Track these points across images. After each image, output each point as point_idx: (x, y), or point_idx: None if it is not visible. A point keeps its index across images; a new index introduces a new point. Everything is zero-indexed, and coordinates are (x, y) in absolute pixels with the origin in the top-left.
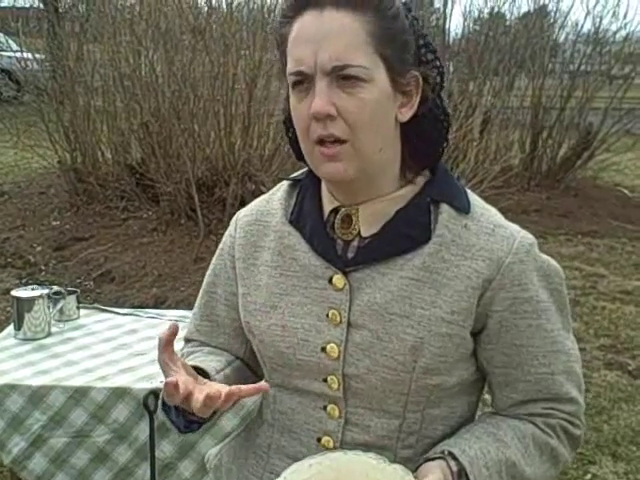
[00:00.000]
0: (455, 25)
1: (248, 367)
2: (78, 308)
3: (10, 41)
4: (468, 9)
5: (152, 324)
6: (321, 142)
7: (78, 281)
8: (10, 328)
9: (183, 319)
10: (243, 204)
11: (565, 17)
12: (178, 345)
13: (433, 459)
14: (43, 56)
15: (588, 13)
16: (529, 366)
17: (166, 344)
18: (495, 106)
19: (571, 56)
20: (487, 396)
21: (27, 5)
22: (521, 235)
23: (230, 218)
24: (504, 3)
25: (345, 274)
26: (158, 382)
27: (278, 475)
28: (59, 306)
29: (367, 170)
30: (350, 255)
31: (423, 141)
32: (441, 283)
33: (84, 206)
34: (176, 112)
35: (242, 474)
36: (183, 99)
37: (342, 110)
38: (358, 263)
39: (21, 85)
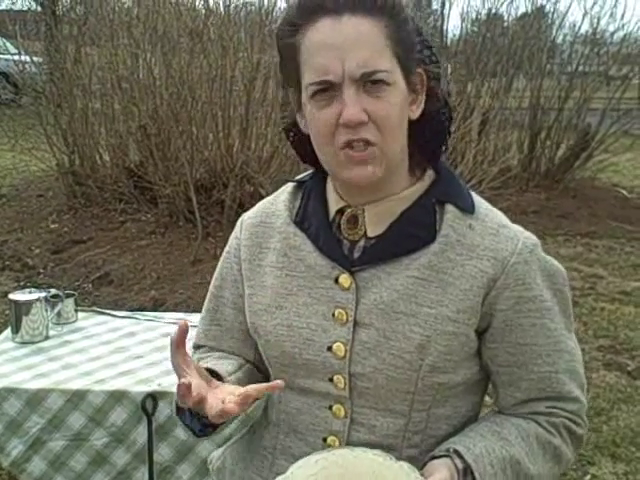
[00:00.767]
0: (453, 26)
1: (259, 370)
2: (76, 311)
3: (8, 44)
4: (466, 10)
5: (150, 327)
6: (348, 146)
7: (76, 284)
8: (8, 331)
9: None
10: (241, 206)
11: (563, 18)
12: (187, 345)
13: (439, 457)
14: (41, 59)
15: (586, 14)
16: (533, 365)
17: (178, 345)
18: (493, 107)
19: (569, 57)
20: (487, 398)
21: (25, 8)
22: (525, 236)
23: (229, 220)
24: (502, 4)
25: (351, 273)
26: (156, 385)
27: None
28: (57, 309)
29: (389, 170)
30: (356, 255)
31: (430, 137)
32: (447, 282)
33: (82, 209)
34: (174, 115)
35: (247, 475)
36: (181, 102)
37: (373, 115)
38: (364, 263)
39: (19, 88)
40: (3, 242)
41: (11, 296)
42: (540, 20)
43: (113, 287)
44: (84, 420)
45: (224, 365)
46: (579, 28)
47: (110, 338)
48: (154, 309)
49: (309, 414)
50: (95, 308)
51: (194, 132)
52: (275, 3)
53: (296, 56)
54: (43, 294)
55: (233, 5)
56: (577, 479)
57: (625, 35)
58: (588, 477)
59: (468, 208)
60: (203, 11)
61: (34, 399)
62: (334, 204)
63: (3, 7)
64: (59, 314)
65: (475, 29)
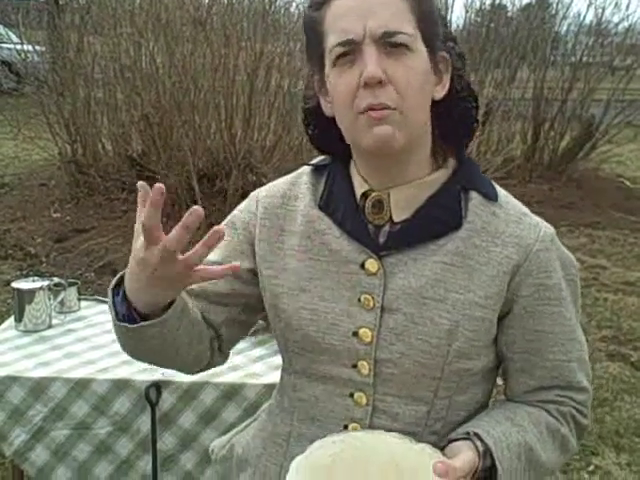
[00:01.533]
0: (457, 17)
1: (213, 328)
2: (79, 300)
3: (10, 33)
4: (469, 1)
5: None
6: (369, 110)
7: (79, 273)
8: (11, 320)
9: None
10: (244, 196)
11: (567, 8)
12: None
13: (457, 440)
14: (43, 48)
15: (590, 4)
16: (548, 352)
17: (155, 205)
18: (497, 98)
19: (573, 47)
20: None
21: None
22: (544, 224)
23: (231, 209)
24: None
25: (379, 258)
26: (160, 374)
27: None
28: (60, 298)
29: (411, 142)
30: (381, 240)
31: (454, 121)
32: (474, 268)
33: (85, 198)
34: (177, 104)
35: (261, 463)
36: (184, 91)
37: (392, 77)
38: (391, 248)
39: (21, 77)
40: (6, 231)
41: (14, 284)
42: (544, 10)
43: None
44: (87, 409)
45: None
46: (583, 18)
47: None
48: None
49: (329, 401)
50: (98, 297)
51: (197, 121)
52: None
53: (321, 26)
54: (46, 283)
55: None
56: (580, 469)
57: (630, 25)
58: (591, 467)
59: (492, 196)
60: (206, 0)
61: (37, 388)
62: (359, 187)
63: None
64: (62, 303)
65: (479, 19)
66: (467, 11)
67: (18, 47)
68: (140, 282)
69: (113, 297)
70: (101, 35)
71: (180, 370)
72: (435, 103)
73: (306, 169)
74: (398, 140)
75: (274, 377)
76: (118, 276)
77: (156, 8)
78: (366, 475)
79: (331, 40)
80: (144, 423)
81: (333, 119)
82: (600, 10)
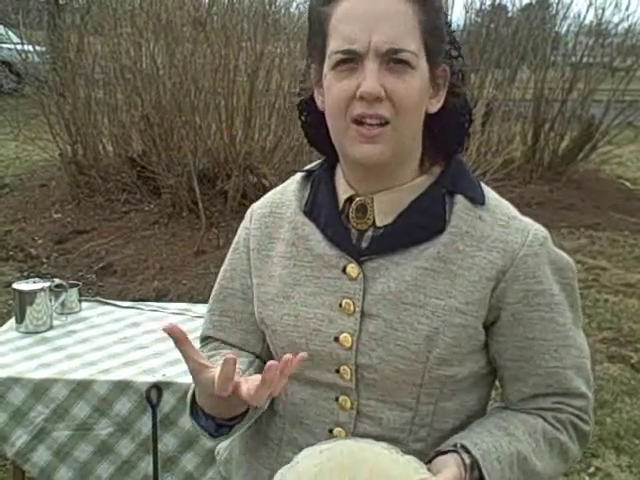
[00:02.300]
0: (457, 17)
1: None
2: (80, 301)
3: (10, 33)
4: (470, 1)
5: (154, 317)
6: (359, 122)
7: (80, 274)
8: (12, 321)
9: (185, 312)
10: (245, 197)
11: (567, 9)
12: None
13: (445, 452)
14: (44, 48)
15: (590, 5)
16: (540, 360)
17: (181, 342)
18: (497, 98)
19: (573, 48)
20: (492, 393)
21: None
22: (535, 228)
23: (232, 211)
24: None
25: (359, 263)
26: (160, 375)
27: None
28: (61, 299)
29: (398, 155)
30: (364, 245)
31: (445, 134)
32: (456, 273)
33: (85, 199)
34: (177, 104)
35: (253, 466)
36: (184, 91)
37: (391, 92)
38: (372, 253)
39: (22, 77)
40: (7, 232)
41: (15, 286)
42: (544, 11)
43: (116, 277)
44: (89, 410)
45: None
46: (584, 19)
47: (114, 328)
48: (157, 299)
49: (315, 405)
50: (99, 298)
51: (197, 122)
52: None
53: (325, 24)
54: (47, 284)
55: None
56: (581, 471)
57: (630, 26)
58: (592, 469)
59: (478, 199)
60: (206, 0)
61: (38, 389)
62: (343, 192)
63: None
64: (63, 304)
65: (479, 20)
66: (467, 11)
67: (18, 47)
68: (215, 408)
69: (195, 419)
70: (101, 35)
71: None
72: (428, 115)
73: (297, 176)
74: (385, 156)
75: None
76: (190, 402)
77: (156, 8)
78: None
79: (334, 44)
80: (145, 424)
81: (324, 113)
82: (600, 10)
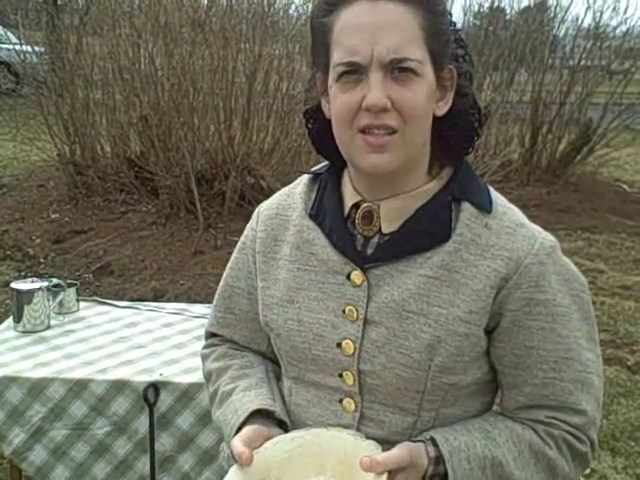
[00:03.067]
0: (455, 19)
1: (272, 361)
2: (77, 301)
3: (9, 34)
4: (468, 3)
5: (151, 317)
6: (366, 131)
7: (77, 274)
8: (9, 321)
9: (182, 312)
10: (242, 198)
11: (565, 12)
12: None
13: (415, 442)
14: (42, 49)
15: (588, 8)
16: (537, 369)
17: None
18: (495, 101)
19: (571, 51)
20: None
21: None
22: (543, 236)
23: (229, 212)
24: None
25: (364, 270)
26: (158, 375)
27: None
28: (58, 299)
29: (407, 163)
30: (370, 251)
31: (456, 136)
32: (460, 282)
33: (83, 199)
34: (175, 105)
35: None
36: (182, 92)
37: (397, 102)
38: (377, 260)
39: (20, 78)
40: (4, 232)
41: (13, 285)
42: (542, 13)
43: (114, 277)
44: (86, 409)
45: (262, 391)
46: (581, 22)
47: (111, 328)
48: (155, 300)
49: (319, 406)
50: (96, 298)
51: (195, 123)
52: None
53: (328, 35)
54: (45, 283)
55: None
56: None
57: (628, 29)
58: (587, 471)
59: (485, 206)
60: (205, 1)
61: (36, 388)
62: (349, 198)
63: None
64: (61, 304)
65: (477, 22)
66: (465, 14)
67: (17, 48)
68: None
69: None
70: (100, 36)
71: None
72: (436, 118)
73: (304, 178)
74: (394, 165)
75: None
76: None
77: (155, 9)
78: (322, 470)
79: (336, 56)
80: (142, 424)
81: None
82: (598, 14)
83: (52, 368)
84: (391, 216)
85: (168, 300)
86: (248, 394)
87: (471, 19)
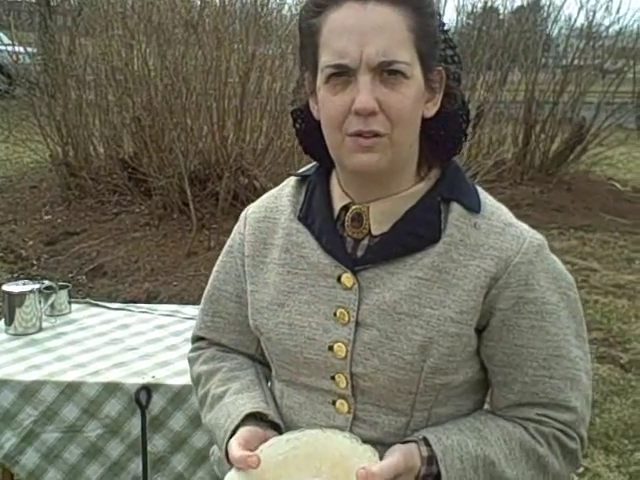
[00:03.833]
0: (448, 19)
1: (262, 363)
2: (70, 303)
3: (1, 34)
4: (461, 3)
5: (144, 319)
6: (357, 135)
7: (70, 275)
8: (1, 323)
9: (175, 314)
10: (236, 198)
11: (558, 11)
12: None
13: (407, 442)
14: (35, 50)
15: (581, 7)
16: (528, 367)
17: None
18: (488, 100)
19: (564, 50)
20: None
21: None
22: (530, 235)
23: (223, 212)
24: None
25: (354, 273)
26: (150, 377)
27: None
28: (50, 301)
29: (395, 164)
30: (360, 253)
31: (444, 137)
32: (450, 283)
33: (76, 200)
34: (168, 106)
35: None
36: (176, 93)
37: (385, 105)
38: (367, 262)
39: (12, 79)
40: None
41: (4, 287)
42: (535, 13)
43: (107, 279)
44: (78, 412)
45: (255, 395)
46: (574, 21)
47: (104, 330)
48: (148, 301)
49: (312, 409)
50: (89, 300)
51: (188, 124)
52: None
53: (316, 37)
54: (37, 286)
55: None
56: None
57: (620, 29)
58: (581, 470)
59: (474, 206)
60: (198, 2)
61: (27, 391)
62: (338, 200)
63: None
64: (53, 306)
65: (470, 22)
66: (459, 13)
67: (9, 49)
68: None
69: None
70: (93, 37)
71: None
72: (425, 119)
73: (291, 180)
74: (381, 165)
75: None
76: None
77: (148, 10)
78: (318, 472)
79: (325, 58)
80: (135, 426)
81: (320, 122)
82: (591, 13)
83: (44, 371)
84: (380, 218)
85: (161, 302)
86: (241, 397)
87: (464, 19)
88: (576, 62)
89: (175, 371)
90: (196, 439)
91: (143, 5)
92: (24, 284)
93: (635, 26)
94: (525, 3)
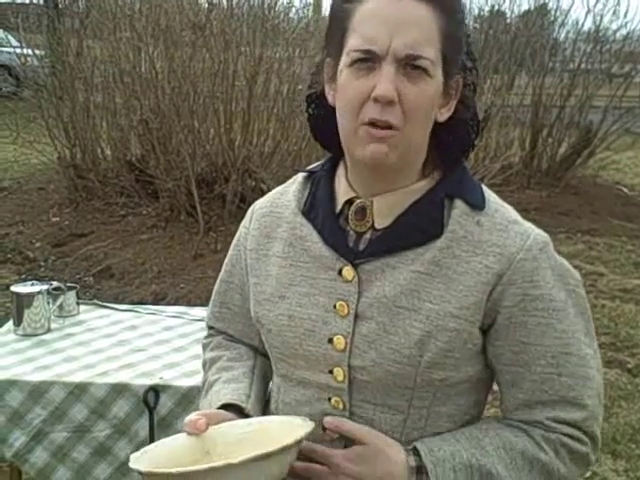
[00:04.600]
0: None
1: (266, 357)
2: (78, 304)
3: (10, 37)
4: (468, 7)
5: (152, 320)
6: (371, 124)
7: (77, 277)
8: (9, 324)
9: (182, 315)
10: (243, 201)
11: (565, 15)
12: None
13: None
14: (43, 52)
15: (589, 11)
16: (536, 365)
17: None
18: (495, 104)
19: (571, 54)
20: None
21: (27, 1)
22: (535, 232)
23: (230, 215)
24: (504, 1)
25: (355, 266)
26: (158, 378)
27: None
28: (59, 302)
29: (403, 160)
30: (362, 247)
31: (452, 143)
32: (451, 278)
33: (83, 202)
34: (176, 108)
35: None
36: (183, 95)
37: (403, 97)
38: (369, 255)
39: (21, 81)
40: (4, 235)
41: (13, 288)
42: (543, 17)
43: (114, 281)
44: (86, 412)
45: (239, 387)
46: (582, 25)
47: (112, 331)
48: (155, 303)
49: (308, 405)
50: (97, 301)
51: (196, 126)
52: None
53: (347, 21)
54: (45, 287)
55: None
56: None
57: (628, 33)
58: (588, 474)
59: (478, 204)
60: (206, 5)
61: (36, 391)
62: (343, 194)
63: (5, 0)
64: (61, 307)
65: (477, 26)
66: (466, 17)
67: (18, 51)
68: None
69: None
70: (100, 39)
71: None
72: (436, 124)
73: (298, 176)
74: (391, 159)
75: None
76: None
77: (156, 13)
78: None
79: (353, 42)
80: (142, 426)
81: (334, 109)
82: (599, 17)
83: (52, 371)
84: (384, 212)
85: (168, 303)
86: (226, 387)
87: (471, 22)
88: (583, 66)
89: (183, 372)
90: None
91: (151, 8)
92: (32, 285)
93: None
94: (532, 7)
